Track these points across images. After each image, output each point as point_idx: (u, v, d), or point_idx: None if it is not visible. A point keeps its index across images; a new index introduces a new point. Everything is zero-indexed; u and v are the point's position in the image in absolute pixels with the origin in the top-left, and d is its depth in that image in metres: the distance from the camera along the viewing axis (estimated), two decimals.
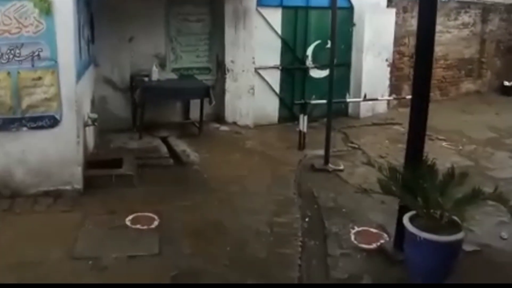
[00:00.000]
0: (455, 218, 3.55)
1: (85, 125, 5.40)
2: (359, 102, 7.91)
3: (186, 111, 7.63)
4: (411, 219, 3.63)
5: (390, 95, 8.61)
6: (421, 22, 3.83)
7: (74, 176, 4.92)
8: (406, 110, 8.45)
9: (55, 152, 4.81)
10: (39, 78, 4.65)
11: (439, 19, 9.84)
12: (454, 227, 3.52)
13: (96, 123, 5.67)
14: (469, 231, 3.61)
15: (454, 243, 3.50)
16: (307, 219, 4.68)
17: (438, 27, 9.85)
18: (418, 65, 3.89)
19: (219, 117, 7.76)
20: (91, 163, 5.46)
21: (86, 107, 5.72)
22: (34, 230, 4.21)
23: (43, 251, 3.86)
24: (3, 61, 4.53)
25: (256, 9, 7.57)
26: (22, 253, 3.82)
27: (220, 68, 7.78)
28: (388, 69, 8.69)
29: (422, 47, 3.86)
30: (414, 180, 3.68)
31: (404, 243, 3.68)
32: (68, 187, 4.90)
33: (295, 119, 7.67)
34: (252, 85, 7.69)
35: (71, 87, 4.76)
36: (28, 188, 4.82)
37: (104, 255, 3.82)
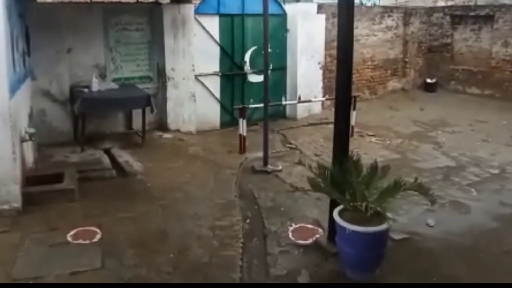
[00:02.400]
0: (380, 209, 3.85)
1: (22, 140, 5.28)
2: (295, 104, 8.23)
3: (129, 120, 7.62)
4: (341, 213, 3.91)
5: (323, 96, 9.01)
6: (340, 27, 4.12)
7: (11, 194, 4.81)
8: None
9: None
10: None
11: (365, 23, 10.49)
12: (380, 218, 3.82)
13: (33, 138, 5.56)
14: (392, 221, 3.96)
15: (380, 233, 3.80)
16: (248, 220, 4.89)
17: (364, 31, 10.56)
18: (339, 67, 4.17)
19: (162, 125, 7.81)
20: (30, 179, 5.35)
21: (23, 122, 5.59)
22: None
23: None
24: None
25: (194, 17, 7.70)
26: None
27: (161, 76, 7.82)
28: (321, 71, 9.11)
29: (342, 50, 4.13)
30: (341, 175, 3.97)
31: (336, 236, 3.95)
32: (5, 206, 4.80)
33: (236, 123, 7.86)
34: (193, 92, 7.81)
35: (4, 102, 4.64)
36: None
37: (44, 274, 3.81)
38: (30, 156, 5.83)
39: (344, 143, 4.22)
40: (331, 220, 4.18)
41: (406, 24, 11.59)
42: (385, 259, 3.89)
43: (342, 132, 4.23)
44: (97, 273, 3.87)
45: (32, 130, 5.52)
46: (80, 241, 4.36)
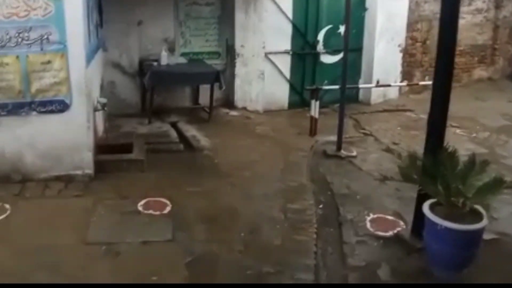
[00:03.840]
0: (477, 206, 3.47)
1: (95, 109, 5.33)
2: (371, 88, 7.78)
3: (196, 96, 7.52)
4: (431, 207, 3.56)
5: (401, 81, 8.46)
6: (444, 5, 3.70)
7: (85, 161, 4.86)
8: (418, 97, 8.55)
9: (65, 137, 4.75)
10: (48, 62, 4.57)
11: None
12: (476, 215, 3.45)
13: (105, 108, 5.60)
14: (491, 220, 3.56)
15: (476, 232, 3.43)
16: (321, 206, 4.61)
17: None
18: (441, 51, 3.76)
19: (228, 102, 7.64)
20: (101, 148, 5.40)
21: (96, 92, 5.64)
22: (45, 215, 4.18)
23: (56, 236, 3.84)
24: (11, 45, 4.44)
25: None
26: (34, 238, 3.80)
27: (230, 53, 7.62)
28: (400, 55, 8.52)
29: (445, 32, 3.72)
30: (435, 167, 3.60)
31: (424, 232, 3.61)
32: (79, 172, 4.85)
33: (305, 105, 7.57)
34: (262, 70, 7.55)
35: (80, 71, 4.68)
36: (39, 173, 4.78)
37: (117, 241, 3.79)
38: (101, 126, 5.89)
39: (440, 132, 3.81)
40: (417, 214, 3.84)
41: (498, 7, 10.53)
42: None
43: (438, 120, 3.82)
44: (167, 245, 3.79)
45: (104, 100, 5.57)
46: (151, 211, 4.29)
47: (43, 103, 4.65)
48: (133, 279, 3.35)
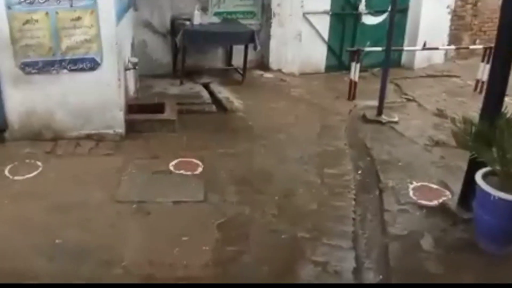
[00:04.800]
0: None
1: (126, 68, 5.21)
2: (416, 51, 7.29)
3: (229, 57, 7.27)
4: (484, 177, 3.26)
5: (448, 45, 7.90)
6: None
7: (116, 120, 4.77)
8: (465, 62, 8.00)
9: (96, 95, 4.66)
10: (78, 19, 4.43)
11: None
12: None
13: (136, 67, 5.47)
14: None
15: None
16: (360, 172, 4.36)
17: None
18: (505, 10, 3.32)
19: (263, 64, 7.36)
20: (132, 107, 5.30)
21: (127, 51, 5.51)
22: (76, 172, 4.12)
23: (87, 193, 3.77)
24: (40, 1, 4.31)
25: None
26: (65, 195, 3.74)
27: (266, 13, 7.28)
28: (449, 17, 7.92)
29: None
30: (491, 134, 3.26)
31: (474, 202, 3.32)
32: (110, 131, 4.78)
33: (343, 68, 7.21)
34: (299, 31, 7.19)
35: (111, 28, 4.53)
36: (70, 131, 4.73)
37: (148, 200, 3.69)
38: (132, 85, 5.78)
39: (499, 97, 3.43)
40: (467, 182, 3.55)
41: None
42: None
43: (497, 84, 3.43)
44: (199, 206, 3.66)
45: (135, 59, 5.45)
46: (182, 171, 4.16)
47: (74, 61, 4.55)
48: (163, 239, 3.25)
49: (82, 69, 4.59)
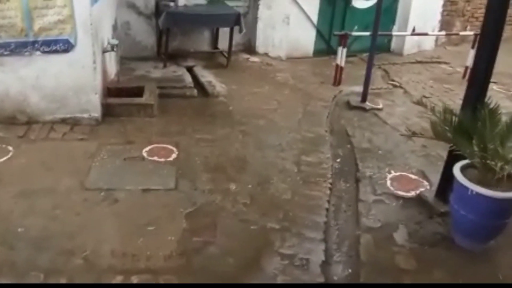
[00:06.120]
0: None
1: (104, 50, 5.05)
2: (405, 36, 7.13)
3: (215, 40, 7.10)
4: (462, 170, 3.15)
5: (439, 31, 7.73)
6: None
7: (91, 104, 4.64)
8: (456, 49, 7.85)
9: (71, 78, 4.52)
10: None
11: None
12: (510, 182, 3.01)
13: (115, 49, 5.30)
14: None
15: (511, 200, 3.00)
16: (338, 160, 4.27)
17: None
18: None
19: (250, 47, 7.21)
20: (111, 90, 5.17)
21: (106, 32, 5.34)
22: (47, 158, 4.01)
23: (55, 179, 3.67)
24: None
25: None
26: (33, 181, 3.64)
27: None
28: (441, 2, 7.73)
29: None
30: (472, 124, 3.14)
31: (450, 196, 3.22)
32: (85, 115, 4.66)
33: (332, 52, 7.07)
34: (287, 13, 7.01)
35: (85, 9, 4.36)
36: (44, 115, 4.61)
37: (117, 187, 3.59)
38: (113, 68, 5.63)
39: (482, 86, 3.30)
40: (445, 175, 3.45)
41: None
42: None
43: (481, 72, 3.29)
44: (169, 194, 3.56)
45: (115, 41, 5.28)
46: (155, 158, 4.06)
47: (47, 43, 4.40)
48: (129, 228, 3.16)
49: (56, 51, 4.43)
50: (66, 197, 3.47)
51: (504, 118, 3.16)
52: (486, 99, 3.24)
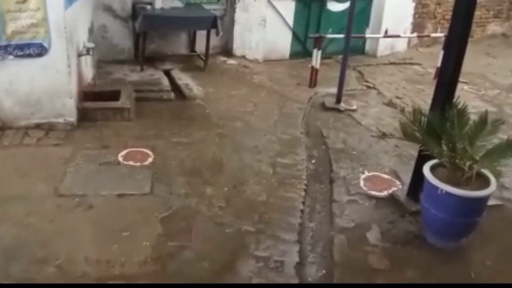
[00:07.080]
0: (483, 171, 3.13)
1: (80, 54, 5.01)
2: (378, 38, 7.26)
3: (192, 43, 7.09)
4: (432, 169, 3.23)
5: (411, 33, 7.89)
6: None
7: (66, 108, 4.60)
8: (428, 50, 8.03)
9: (45, 82, 4.48)
10: (24, 1, 4.21)
11: None
12: (482, 181, 3.11)
13: (91, 53, 5.27)
14: (500, 186, 3.23)
15: (481, 199, 3.10)
16: (313, 161, 4.33)
17: None
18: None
19: (227, 50, 7.23)
20: (87, 94, 5.13)
21: (82, 36, 5.29)
22: (21, 164, 3.96)
23: (29, 186, 3.63)
24: None
25: None
26: (6, 188, 3.60)
27: None
28: (413, 4, 7.90)
29: None
30: (441, 125, 3.23)
31: (421, 195, 3.30)
32: (60, 120, 4.61)
33: (308, 55, 7.12)
34: (263, 16, 7.06)
35: (59, 12, 4.33)
36: (18, 120, 4.55)
37: (91, 193, 3.58)
38: (89, 72, 5.59)
39: (450, 87, 3.39)
40: (416, 174, 3.53)
41: None
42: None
43: (449, 74, 3.38)
44: (144, 198, 3.56)
45: (91, 45, 5.25)
46: (131, 162, 4.05)
47: (20, 46, 4.34)
48: (103, 234, 3.15)
49: (29, 55, 4.38)
50: (39, 204, 3.43)
51: (473, 118, 3.26)
52: (454, 99, 3.33)
